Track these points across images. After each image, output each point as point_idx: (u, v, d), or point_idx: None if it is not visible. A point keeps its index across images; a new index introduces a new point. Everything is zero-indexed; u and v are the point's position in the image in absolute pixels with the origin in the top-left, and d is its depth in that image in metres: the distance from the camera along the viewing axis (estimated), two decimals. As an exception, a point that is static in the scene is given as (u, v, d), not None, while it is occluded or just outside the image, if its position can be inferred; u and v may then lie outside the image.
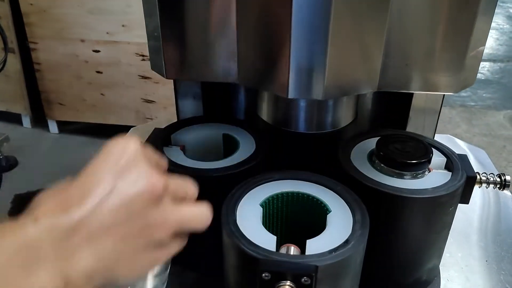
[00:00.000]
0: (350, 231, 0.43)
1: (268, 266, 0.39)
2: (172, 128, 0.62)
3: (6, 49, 1.59)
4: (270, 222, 0.49)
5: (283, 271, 0.39)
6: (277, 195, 0.48)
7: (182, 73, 0.57)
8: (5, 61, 1.60)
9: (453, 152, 0.57)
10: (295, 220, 0.50)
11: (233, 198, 0.47)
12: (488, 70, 3.04)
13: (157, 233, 0.30)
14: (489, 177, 0.55)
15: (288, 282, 0.39)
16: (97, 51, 2.03)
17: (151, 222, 0.29)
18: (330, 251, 0.41)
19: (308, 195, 0.48)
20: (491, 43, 3.50)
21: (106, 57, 2.04)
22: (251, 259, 0.40)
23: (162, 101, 2.07)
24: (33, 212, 0.28)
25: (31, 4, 2.00)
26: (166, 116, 2.06)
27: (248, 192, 0.48)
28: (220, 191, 0.48)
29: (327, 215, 0.46)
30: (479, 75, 3.00)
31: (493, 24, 3.92)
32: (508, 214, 0.77)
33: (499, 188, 0.55)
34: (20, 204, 1.81)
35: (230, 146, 0.60)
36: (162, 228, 0.30)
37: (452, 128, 2.21)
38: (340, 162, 0.53)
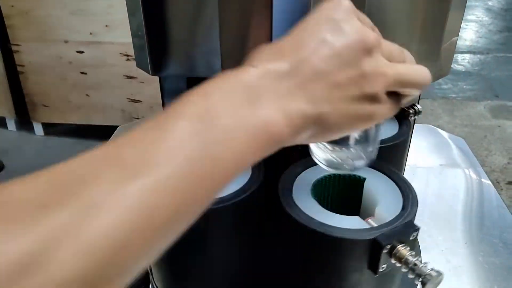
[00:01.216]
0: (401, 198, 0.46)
1: (388, 239, 0.39)
2: None
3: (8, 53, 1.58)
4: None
5: (399, 236, 0.40)
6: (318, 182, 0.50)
7: (167, 69, 0.58)
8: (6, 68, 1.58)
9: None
10: (336, 199, 0.51)
11: (287, 195, 0.46)
12: (468, 62, 3.11)
13: (370, 84, 0.29)
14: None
15: (401, 245, 0.39)
16: (81, 52, 2.03)
17: (364, 72, 0.29)
18: (402, 213, 0.43)
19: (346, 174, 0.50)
20: (471, 35, 3.57)
21: (90, 57, 2.03)
22: (368, 242, 0.40)
23: (148, 100, 2.08)
24: (250, 61, 0.28)
25: (12, 6, 1.98)
26: (152, 115, 2.07)
27: (292, 185, 0.48)
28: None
29: (364, 183, 0.48)
30: (459, 67, 3.07)
31: (472, 17, 4.00)
32: (489, 201, 0.80)
33: (414, 115, 0.59)
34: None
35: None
36: (375, 79, 0.29)
37: (434, 119, 2.26)
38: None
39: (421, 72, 0.33)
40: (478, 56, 3.20)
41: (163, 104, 0.75)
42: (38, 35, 2.03)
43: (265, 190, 0.49)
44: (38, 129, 2.30)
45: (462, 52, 3.25)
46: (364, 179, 0.49)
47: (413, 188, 0.47)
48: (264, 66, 0.28)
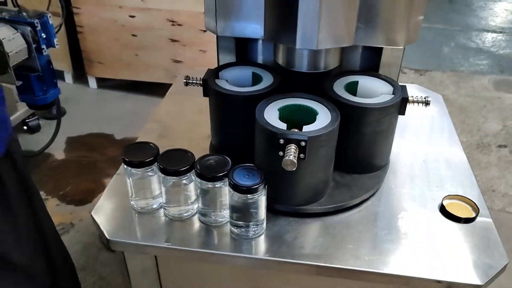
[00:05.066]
0: (328, 123, 0.77)
1: (282, 136, 0.72)
2: (220, 68, 0.95)
3: (63, 14, 1.91)
4: (284, 120, 0.81)
5: (290, 138, 0.72)
6: (286, 105, 0.82)
7: (228, 30, 0.89)
8: (61, 25, 1.91)
9: (397, 84, 0.89)
10: (298, 119, 0.83)
11: (262, 105, 0.80)
12: (480, 39, 3.31)
13: None
14: (416, 99, 0.86)
15: (293, 145, 0.72)
16: (133, 17, 2.34)
17: None
18: (315, 131, 0.74)
19: (305, 105, 0.82)
20: (487, 14, 3.74)
21: (141, 22, 2.34)
22: (273, 134, 0.73)
23: (189, 61, 2.39)
24: None
25: (75, -26, 2.30)
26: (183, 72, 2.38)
27: (271, 103, 0.82)
28: (248, 105, 0.81)
29: (316, 116, 0.79)
30: (472, 44, 3.28)
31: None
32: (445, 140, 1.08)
33: (424, 105, 0.87)
34: (73, 145, 2.18)
35: (257, 79, 0.93)
36: None
37: (441, 89, 2.51)
38: (326, 89, 0.86)
39: None
40: (491, 34, 3.39)
41: (218, 57, 1.06)
42: (96, 0, 2.35)
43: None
44: (92, 82, 2.65)
45: (477, 30, 3.44)
46: (317, 112, 0.80)
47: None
48: None
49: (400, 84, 0.90)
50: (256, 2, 0.84)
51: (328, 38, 0.82)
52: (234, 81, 0.92)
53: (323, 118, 0.79)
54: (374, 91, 0.89)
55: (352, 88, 0.91)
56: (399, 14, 0.83)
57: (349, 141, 0.86)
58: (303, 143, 0.72)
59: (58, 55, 2.57)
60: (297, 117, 0.83)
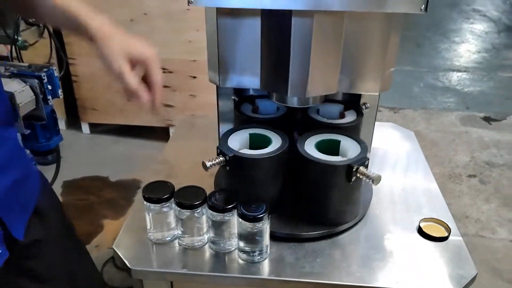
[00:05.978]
0: (266, 152, 0.91)
1: (219, 147, 0.89)
2: (257, 97, 1.15)
3: (63, 66, 2.04)
4: (255, 144, 0.97)
5: (222, 150, 0.89)
6: (254, 133, 0.99)
7: (228, 82, 1.03)
8: (60, 77, 2.04)
9: (364, 151, 0.95)
10: (262, 145, 0.96)
11: (236, 128, 1.00)
12: (447, 79, 3.58)
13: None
14: (365, 172, 0.90)
15: (221, 157, 0.88)
16: (126, 66, 2.49)
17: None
18: (247, 154, 0.90)
19: (264, 135, 0.98)
20: (452, 55, 4.06)
21: (133, 70, 2.48)
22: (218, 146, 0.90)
23: (179, 105, 2.54)
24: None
25: (71, 28, 2.45)
26: (182, 118, 2.52)
27: (243, 128, 1.00)
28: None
29: (270, 145, 0.94)
30: (439, 83, 3.54)
31: (457, 39, 4.49)
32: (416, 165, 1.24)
33: (370, 181, 0.87)
34: (69, 189, 2.25)
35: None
36: None
37: (414, 126, 2.71)
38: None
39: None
40: (456, 73, 3.68)
41: (218, 104, 1.19)
42: (90, 51, 2.48)
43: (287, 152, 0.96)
44: (85, 128, 2.76)
45: (443, 70, 3.73)
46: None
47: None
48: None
49: (364, 155, 0.92)
50: (253, 58, 0.98)
51: (316, 87, 0.96)
52: (265, 108, 1.14)
53: (271, 148, 0.94)
54: (349, 151, 0.96)
55: (334, 145, 1.00)
56: (375, 67, 0.98)
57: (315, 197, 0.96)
58: (227, 157, 0.89)
59: (53, 103, 2.68)
60: (261, 144, 0.98)
